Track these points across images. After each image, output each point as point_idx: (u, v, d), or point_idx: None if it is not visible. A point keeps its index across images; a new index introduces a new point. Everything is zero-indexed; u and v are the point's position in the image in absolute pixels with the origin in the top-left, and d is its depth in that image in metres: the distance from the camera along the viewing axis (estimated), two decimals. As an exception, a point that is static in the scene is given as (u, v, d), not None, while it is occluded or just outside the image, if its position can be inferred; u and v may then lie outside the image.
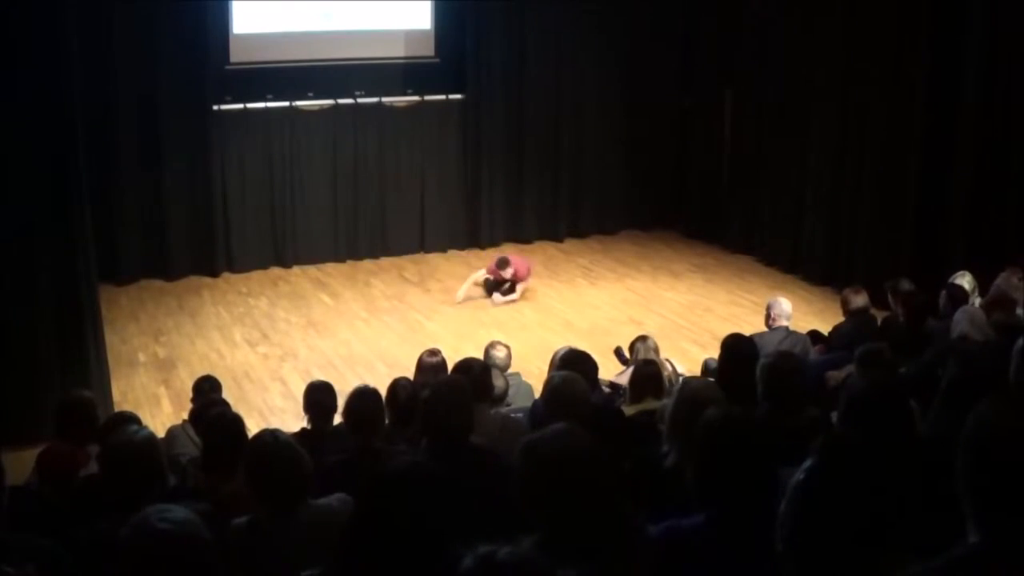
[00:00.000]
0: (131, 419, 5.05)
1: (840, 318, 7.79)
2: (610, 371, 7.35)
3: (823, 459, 2.07)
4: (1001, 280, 7.00)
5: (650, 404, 5.10)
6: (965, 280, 7.45)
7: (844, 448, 2.13)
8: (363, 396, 4.69)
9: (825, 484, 2.03)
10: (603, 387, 6.07)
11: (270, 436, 3.46)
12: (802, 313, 9.60)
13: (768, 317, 7.42)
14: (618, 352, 7.54)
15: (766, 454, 2.61)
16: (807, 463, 2.09)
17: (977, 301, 7.05)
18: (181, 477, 4.63)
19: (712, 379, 5.09)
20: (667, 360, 6.97)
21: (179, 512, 2.32)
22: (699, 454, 2.71)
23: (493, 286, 10.74)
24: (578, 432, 2.59)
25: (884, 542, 2.01)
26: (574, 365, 4.95)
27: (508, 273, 10.60)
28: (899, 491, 2.38)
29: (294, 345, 9.52)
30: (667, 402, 4.31)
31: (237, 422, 4.43)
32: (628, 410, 5.09)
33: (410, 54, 12.36)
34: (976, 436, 1.96)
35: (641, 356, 6.62)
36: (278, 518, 3.27)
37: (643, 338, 7.08)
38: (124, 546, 2.26)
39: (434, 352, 6.39)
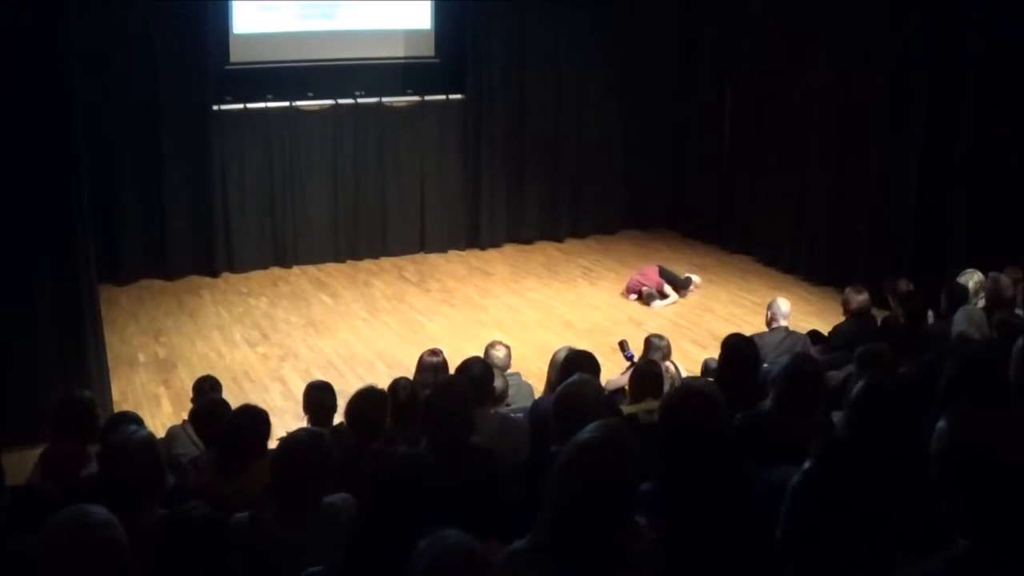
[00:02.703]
0: (132, 419, 5.05)
1: (840, 318, 7.79)
2: (611, 371, 7.35)
3: (820, 461, 2.08)
4: (998, 279, 7.00)
5: (650, 404, 5.10)
6: (972, 279, 7.42)
7: (841, 451, 2.14)
8: (367, 396, 4.70)
9: (822, 486, 2.04)
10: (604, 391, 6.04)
11: (306, 435, 3.47)
12: (802, 313, 9.61)
13: (768, 318, 7.43)
14: (622, 345, 7.51)
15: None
16: (805, 465, 2.10)
17: (982, 301, 7.04)
18: (181, 477, 4.63)
19: (712, 379, 5.08)
20: (671, 362, 6.96)
21: (101, 513, 2.33)
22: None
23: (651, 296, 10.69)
24: (626, 434, 2.59)
25: (882, 543, 2.02)
26: (578, 366, 4.95)
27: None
28: (903, 492, 2.39)
29: (294, 345, 9.52)
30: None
31: (262, 420, 4.44)
32: (628, 410, 5.09)
33: (410, 54, 12.37)
34: (945, 444, 1.96)
35: (651, 355, 6.62)
36: (285, 515, 3.28)
37: (659, 336, 7.07)
38: (44, 549, 2.26)
39: (435, 352, 6.38)
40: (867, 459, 2.15)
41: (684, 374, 7.04)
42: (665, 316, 10.33)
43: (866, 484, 2.06)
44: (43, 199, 7.21)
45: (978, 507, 1.92)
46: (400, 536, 2.41)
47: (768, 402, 4.30)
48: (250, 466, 4.12)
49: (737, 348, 5.23)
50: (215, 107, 11.29)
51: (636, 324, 9.83)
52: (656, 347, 6.82)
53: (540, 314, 10.42)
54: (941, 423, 2.01)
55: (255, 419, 4.44)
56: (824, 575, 2.03)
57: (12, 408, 7.02)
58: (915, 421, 3.22)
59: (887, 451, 2.94)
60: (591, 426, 2.56)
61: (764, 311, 7.72)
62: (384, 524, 2.48)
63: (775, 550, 2.09)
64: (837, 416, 4.31)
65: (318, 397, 5.38)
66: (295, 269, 11.82)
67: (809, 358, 4.69)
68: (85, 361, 7.45)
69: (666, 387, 5.60)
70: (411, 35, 12.35)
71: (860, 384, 3.26)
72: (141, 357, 9.17)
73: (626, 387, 5.68)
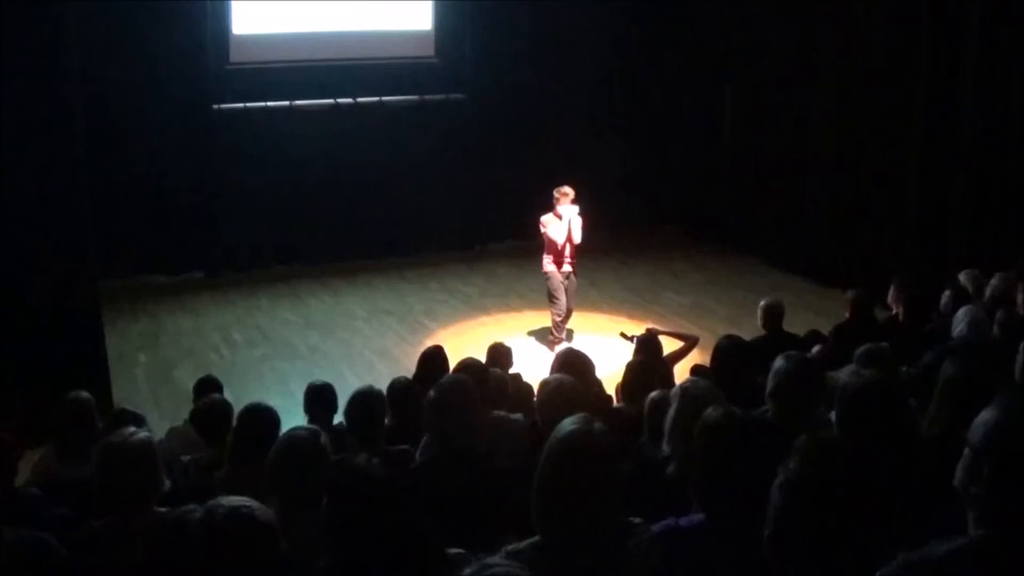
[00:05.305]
0: (132, 418, 5.04)
1: (840, 318, 7.78)
2: (611, 367, 7.33)
3: (804, 459, 2.08)
4: (998, 279, 7.00)
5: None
6: (972, 278, 7.43)
7: (825, 448, 2.14)
8: (365, 396, 4.69)
9: (807, 484, 2.04)
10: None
11: (304, 433, 3.46)
12: (802, 313, 9.59)
13: (763, 319, 7.32)
14: (626, 337, 7.46)
15: (766, 454, 2.61)
16: (790, 463, 2.10)
17: (979, 300, 7.04)
18: (182, 477, 4.63)
19: (708, 381, 5.06)
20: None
21: (236, 499, 2.34)
22: (700, 456, 2.71)
23: None
24: (600, 426, 2.59)
25: (870, 540, 2.02)
26: (570, 366, 4.95)
27: None
28: (890, 488, 2.39)
29: (294, 345, 9.52)
30: (656, 395, 4.31)
31: (271, 419, 4.43)
32: (619, 406, 5.09)
33: (410, 54, 12.37)
34: (990, 434, 1.96)
35: (685, 402, 6.53)
36: (283, 515, 3.27)
37: (654, 331, 7.04)
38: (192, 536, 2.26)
39: (437, 348, 6.39)
40: (852, 456, 2.15)
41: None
42: (666, 316, 10.32)
43: (852, 481, 2.06)
44: (43, 199, 7.21)
45: (1009, 496, 1.92)
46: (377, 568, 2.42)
47: (768, 404, 4.29)
48: (259, 466, 4.10)
49: (732, 350, 5.23)
50: (215, 107, 11.29)
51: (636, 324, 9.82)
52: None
53: (540, 314, 10.41)
54: (987, 414, 2.00)
55: (264, 418, 4.44)
56: (813, 574, 2.03)
57: (12, 408, 7.01)
58: (905, 419, 3.22)
59: (876, 449, 2.94)
60: (565, 422, 2.57)
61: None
62: (354, 558, 2.49)
63: (764, 550, 2.09)
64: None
65: (318, 397, 5.37)
66: (295, 269, 11.82)
67: (808, 358, 4.68)
68: (85, 361, 7.45)
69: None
70: (411, 35, 12.35)
71: (850, 385, 3.26)
72: (141, 357, 9.17)
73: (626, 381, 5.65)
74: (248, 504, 2.29)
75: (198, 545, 2.23)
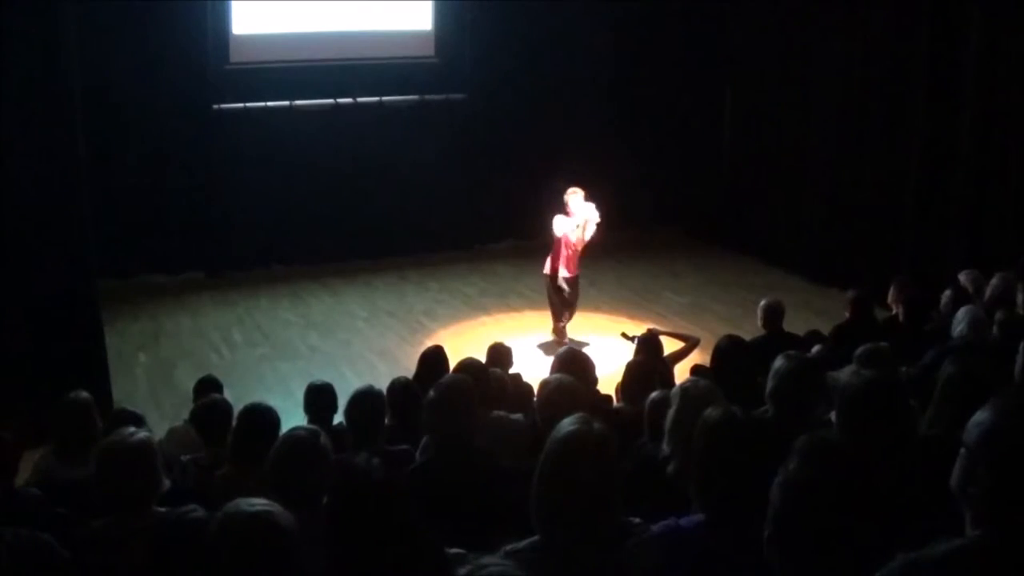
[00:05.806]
0: (132, 418, 5.04)
1: (840, 318, 7.78)
2: (611, 370, 7.33)
3: (803, 459, 2.08)
4: (999, 279, 7.01)
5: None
6: (971, 278, 7.44)
7: (824, 448, 2.14)
8: (365, 396, 4.70)
9: (806, 485, 2.05)
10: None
11: (304, 433, 3.46)
12: (802, 313, 9.59)
13: (763, 319, 7.35)
14: (627, 337, 7.46)
15: (766, 454, 2.60)
16: (789, 464, 2.11)
17: (979, 300, 7.05)
18: (182, 477, 4.64)
19: (708, 381, 5.06)
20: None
21: (257, 503, 2.35)
22: (700, 456, 2.71)
23: None
24: (600, 426, 2.59)
25: (869, 537, 2.02)
26: (570, 366, 4.94)
27: None
28: (890, 488, 2.38)
29: (294, 345, 9.52)
30: (656, 395, 4.31)
31: (272, 418, 4.44)
32: (619, 406, 5.09)
33: (410, 54, 12.37)
34: (986, 435, 1.97)
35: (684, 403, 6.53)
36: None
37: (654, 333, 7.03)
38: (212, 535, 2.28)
39: (437, 348, 6.40)
40: (852, 456, 2.15)
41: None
42: (665, 316, 10.32)
43: (852, 481, 2.07)
44: (43, 198, 7.22)
45: (1007, 497, 1.92)
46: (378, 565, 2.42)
47: (768, 404, 4.29)
48: (259, 466, 4.11)
49: (729, 351, 5.23)
50: (215, 107, 11.29)
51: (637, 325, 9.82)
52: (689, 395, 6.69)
53: (540, 314, 10.41)
54: (982, 414, 2.01)
55: (264, 418, 4.44)
56: (813, 574, 2.04)
57: (12, 408, 7.02)
58: (905, 419, 3.22)
59: (876, 449, 2.94)
60: (565, 422, 2.57)
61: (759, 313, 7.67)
62: (354, 558, 2.50)
63: (764, 550, 2.09)
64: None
65: (318, 397, 5.38)
66: (295, 269, 11.82)
67: (808, 358, 4.68)
68: (85, 361, 7.45)
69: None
70: (411, 35, 12.35)
71: (850, 385, 3.27)
72: (141, 357, 9.18)
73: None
74: (269, 508, 2.30)
75: (217, 548, 2.24)
